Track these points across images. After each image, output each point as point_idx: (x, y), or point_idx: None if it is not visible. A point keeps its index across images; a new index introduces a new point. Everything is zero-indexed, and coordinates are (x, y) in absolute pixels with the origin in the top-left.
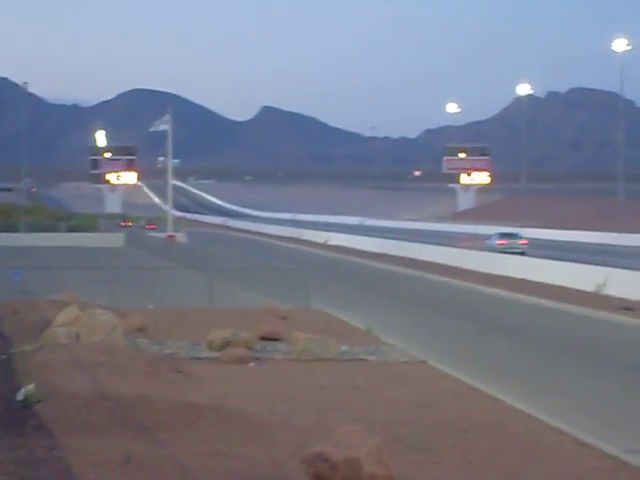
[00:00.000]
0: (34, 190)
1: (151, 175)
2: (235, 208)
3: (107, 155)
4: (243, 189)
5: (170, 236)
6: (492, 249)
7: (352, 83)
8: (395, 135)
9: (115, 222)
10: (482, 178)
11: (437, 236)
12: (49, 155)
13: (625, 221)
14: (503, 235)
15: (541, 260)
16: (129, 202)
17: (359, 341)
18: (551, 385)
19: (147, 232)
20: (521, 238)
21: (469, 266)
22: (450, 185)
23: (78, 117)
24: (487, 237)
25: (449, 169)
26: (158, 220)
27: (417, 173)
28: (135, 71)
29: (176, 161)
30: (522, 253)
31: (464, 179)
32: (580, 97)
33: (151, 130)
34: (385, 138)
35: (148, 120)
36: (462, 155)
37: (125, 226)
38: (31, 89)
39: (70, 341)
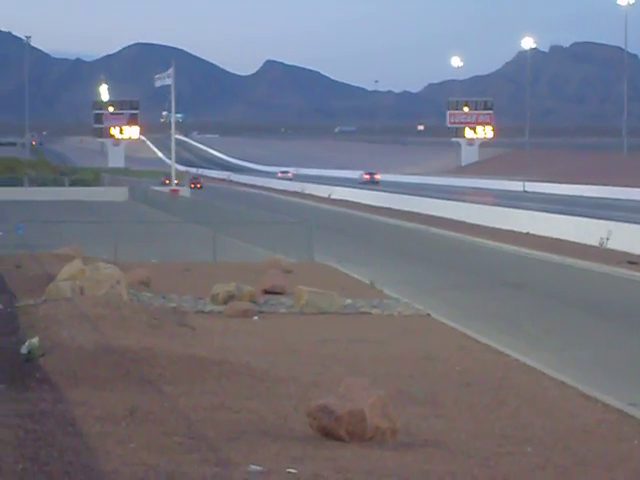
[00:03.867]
0: (34, 143)
1: (154, 129)
2: (239, 162)
3: (110, 109)
4: (247, 143)
5: (174, 190)
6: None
7: (356, 36)
8: (398, 89)
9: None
10: (486, 132)
11: (441, 190)
12: (52, 109)
13: (628, 175)
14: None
15: (545, 214)
16: (132, 156)
17: (363, 294)
18: (555, 339)
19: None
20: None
21: (473, 220)
22: (454, 139)
23: (81, 71)
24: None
25: (452, 123)
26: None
27: (420, 127)
28: (139, 25)
29: (179, 115)
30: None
31: (468, 133)
32: (584, 51)
33: (156, 85)
34: (388, 92)
35: (151, 74)
36: (466, 109)
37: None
38: (34, 43)
39: (74, 295)
